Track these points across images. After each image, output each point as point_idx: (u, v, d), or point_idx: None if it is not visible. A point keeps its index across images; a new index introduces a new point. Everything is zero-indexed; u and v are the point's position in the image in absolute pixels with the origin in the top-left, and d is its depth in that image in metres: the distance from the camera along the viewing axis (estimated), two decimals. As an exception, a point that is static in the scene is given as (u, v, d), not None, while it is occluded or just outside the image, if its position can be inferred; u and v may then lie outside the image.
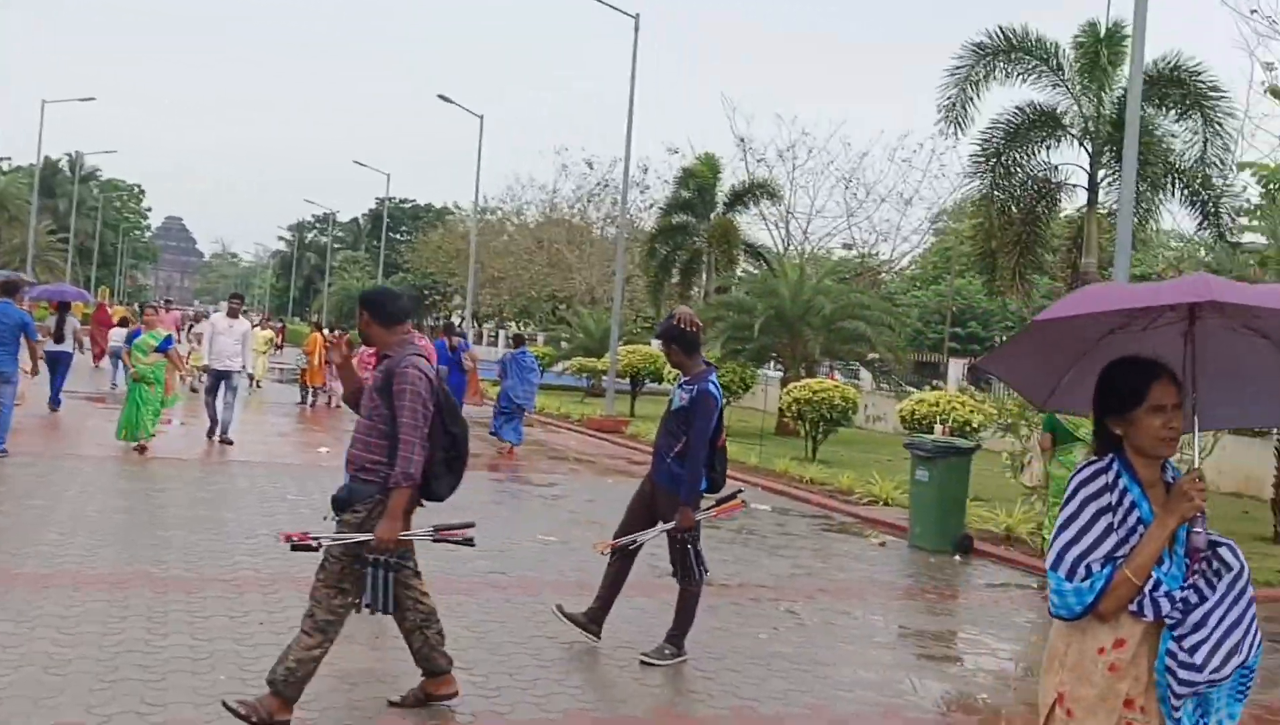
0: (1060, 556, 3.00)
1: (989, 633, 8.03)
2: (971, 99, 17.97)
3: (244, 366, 15.57)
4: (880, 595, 9.01)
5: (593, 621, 6.58)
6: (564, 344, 37.29)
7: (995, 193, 17.79)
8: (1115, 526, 2.97)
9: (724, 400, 6.60)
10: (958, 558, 11.03)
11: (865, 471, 16.61)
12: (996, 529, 12.20)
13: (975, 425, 15.72)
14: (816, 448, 19.18)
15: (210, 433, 15.17)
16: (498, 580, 8.18)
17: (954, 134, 17.83)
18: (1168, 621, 2.93)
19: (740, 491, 7.37)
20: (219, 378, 15.02)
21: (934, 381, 26.93)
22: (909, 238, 37.55)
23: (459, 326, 27.25)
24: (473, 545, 5.46)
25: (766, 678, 6.28)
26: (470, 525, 5.40)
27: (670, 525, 6.39)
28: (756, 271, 29.91)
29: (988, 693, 6.42)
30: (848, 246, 43.88)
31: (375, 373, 5.09)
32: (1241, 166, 18.41)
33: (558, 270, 47.67)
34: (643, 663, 6.32)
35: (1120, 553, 2.95)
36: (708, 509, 6.62)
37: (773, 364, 26.98)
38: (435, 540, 5.29)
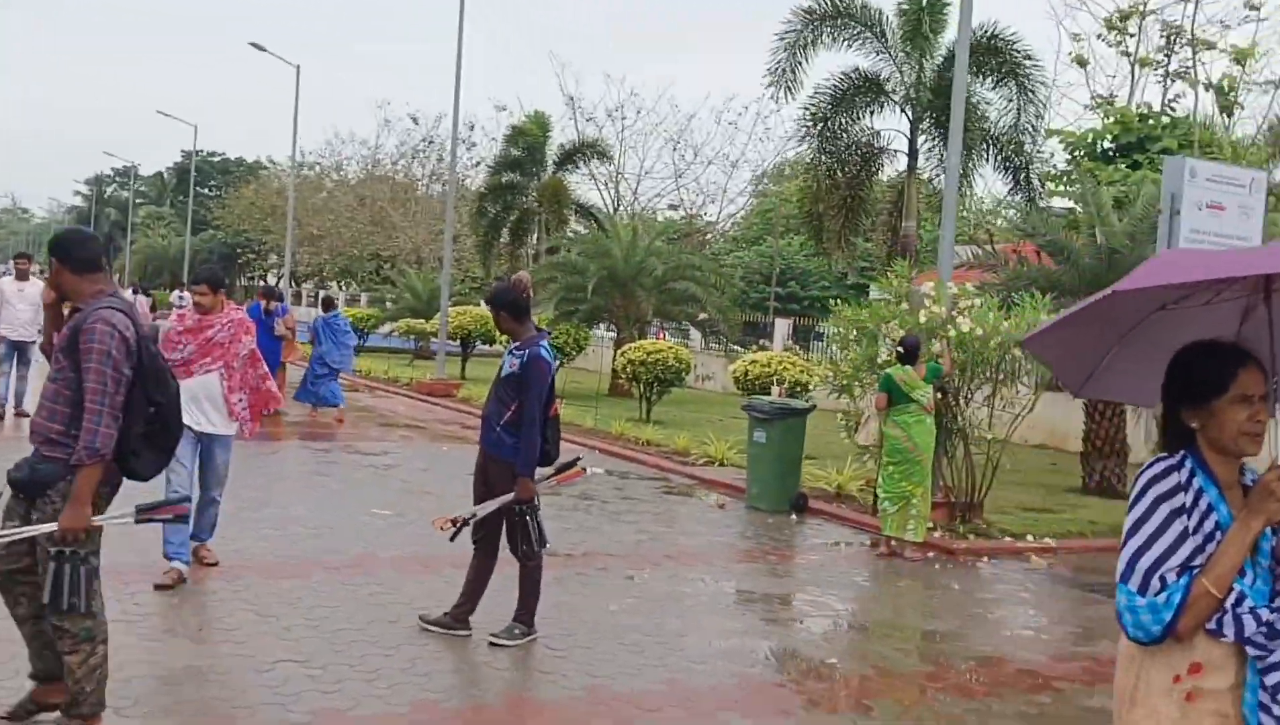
0: (1130, 566, 2.57)
1: (831, 593, 8.13)
2: (800, 63, 18.18)
3: (39, 335, 14.30)
4: (725, 559, 9.02)
5: (458, 621, 6.28)
6: (389, 305, 36.19)
7: (822, 156, 18.12)
8: (1191, 531, 2.57)
9: (557, 363, 6.37)
10: (794, 517, 11.19)
11: (700, 432, 16.72)
12: (828, 487, 12.46)
13: (805, 385, 16.03)
14: (651, 409, 19.21)
15: (2, 407, 13.94)
16: (330, 561, 7.74)
17: (784, 97, 18.01)
18: (1250, 650, 2.52)
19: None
20: (14, 348, 13.76)
21: (760, 341, 27.43)
22: (735, 200, 38.06)
23: (277, 288, 26.02)
24: (185, 522, 5.12)
25: (619, 653, 6.14)
26: (182, 501, 5.06)
27: (510, 497, 6.12)
28: (587, 232, 29.68)
29: (838, 656, 6.46)
30: (674, 207, 44.22)
31: (64, 330, 4.32)
32: (1050, 134, 19.37)
33: (381, 229, 46.23)
34: (492, 644, 6.07)
35: (1197, 562, 2.55)
36: (547, 478, 6.35)
37: (605, 325, 26.91)
38: (139, 522, 4.51)
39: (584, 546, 8.93)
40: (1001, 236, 19.27)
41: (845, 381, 10.65)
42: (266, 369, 7.21)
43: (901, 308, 10.45)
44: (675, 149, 35.61)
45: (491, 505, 6.21)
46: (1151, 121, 19.00)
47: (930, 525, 9.88)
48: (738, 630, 6.84)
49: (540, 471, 6.31)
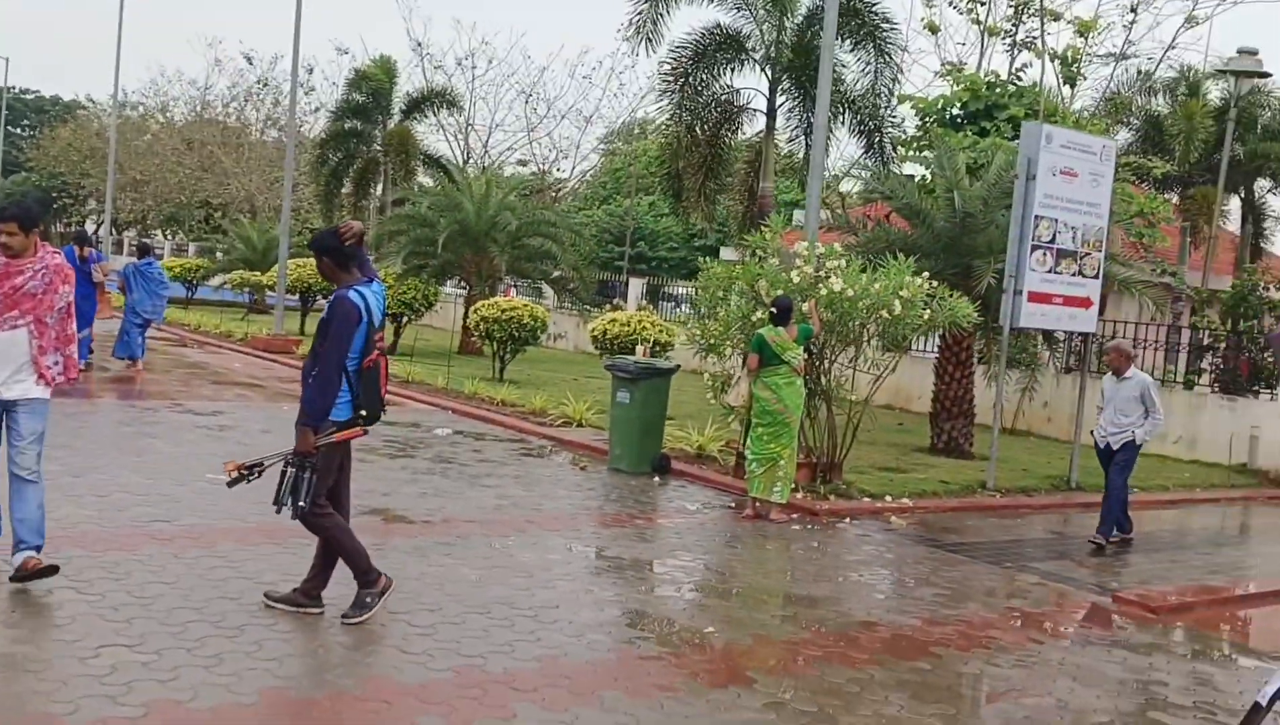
0: None
1: (702, 558, 7.91)
2: (661, 15, 17.81)
3: None
4: (591, 523, 8.69)
5: (309, 598, 5.73)
6: (220, 256, 34.28)
7: (682, 113, 17.84)
8: None
9: (383, 314, 5.75)
10: (657, 479, 10.96)
11: (556, 392, 16.33)
12: (690, 448, 12.28)
13: (665, 346, 15.82)
14: (504, 368, 18.69)
15: None
16: (162, 531, 7.05)
17: (644, 50, 17.61)
18: None
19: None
20: None
21: (615, 301, 27.13)
22: (589, 156, 37.52)
23: (93, 235, 24.20)
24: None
25: (489, 629, 5.73)
26: None
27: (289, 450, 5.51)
28: (436, 184, 28.68)
29: (715, 625, 6.22)
30: (523, 162, 43.37)
31: None
32: (902, 99, 19.56)
33: (212, 175, 43.79)
34: (345, 623, 5.57)
35: None
36: (329, 434, 5.52)
37: (456, 281, 26.13)
38: None
39: (443, 512, 8.45)
40: (854, 201, 19.46)
41: (713, 342, 10.42)
42: (75, 328, 6.06)
43: (772, 266, 10.27)
44: (528, 102, 34.78)
45: (275, 456, 5.59)
46: (999, 90, 19.38)
47: (792, 486, 9.79)
48: (611, 600, 6.52)
49: (326, 427, 5.52)
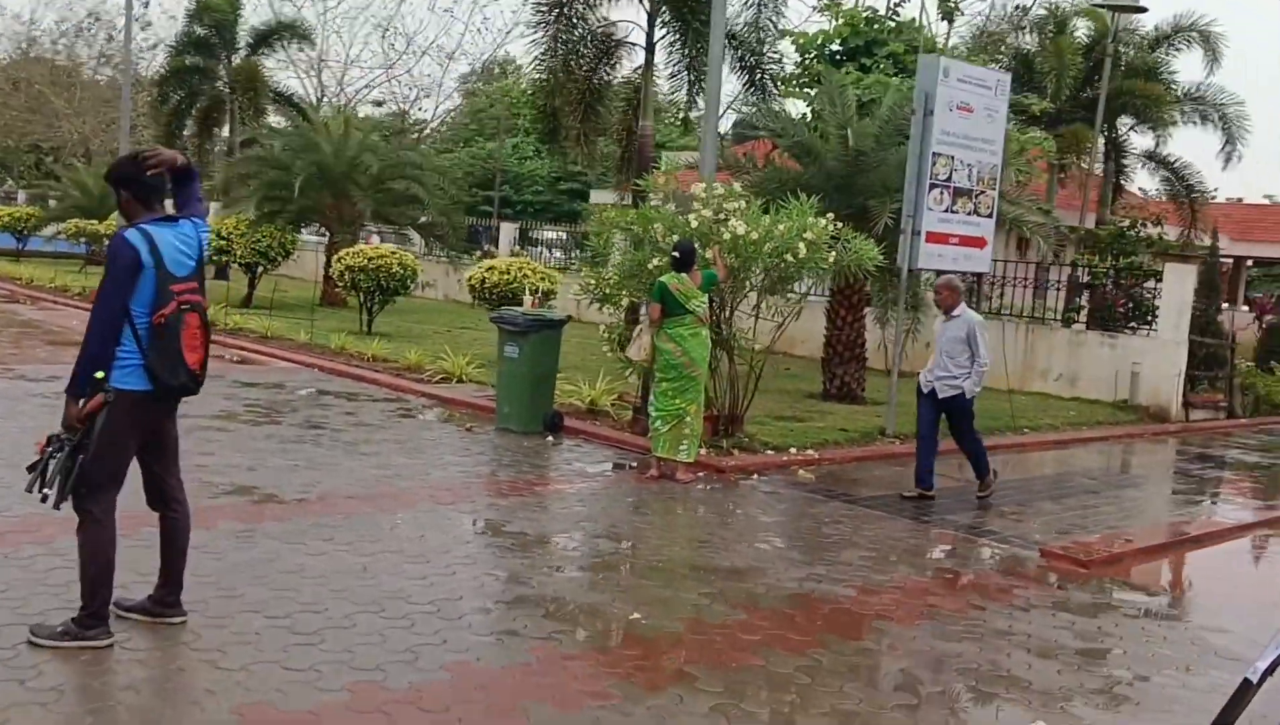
0: None
1: (614, 529, 7.26)
2: (531, -59, 16.70)
3: None
4: (486, 493, 7.93)
5: (163, 604, 4.84)
6: (53, 204, 31.66)
7: (558, 46, 16.83)
8: None
9: (195, 259, 4.62)
10: (550, 438, 10.26)
11: (431, 345, 15.41)
12: (580, 403, 11.61)
13: (546, 293, 15.02)
14: (372, 320, 17.60)
15: None
16: (-12, 527, 6.01)
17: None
18: None
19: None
20: None
21: (486, 247, 26.06)
22: (452, 95, 35.97)
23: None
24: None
25: (386, 632, 4.96)
26: None
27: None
28: (289, 124, 26.92)
29: (642, 611, 5.58)
30: (379, 103, 41.45)
31: None
32: (782, 34, 18.98)
33: (41, 117, 40.50)
34: (32, 639, 4.46)
35: None
36: (81, 407, 4.42)
37: (315, 228, 24.67)
38: None
39: (319, 488, 7.57)
40: (728, 141, 18.87)
41: (609, 291, 9.71)
42: None
43: (668, 209, 9.59)
44: (385, 37, 32.97)
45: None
46: (877, 26, 19.02)
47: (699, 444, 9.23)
48: (522, 589, 5.82)
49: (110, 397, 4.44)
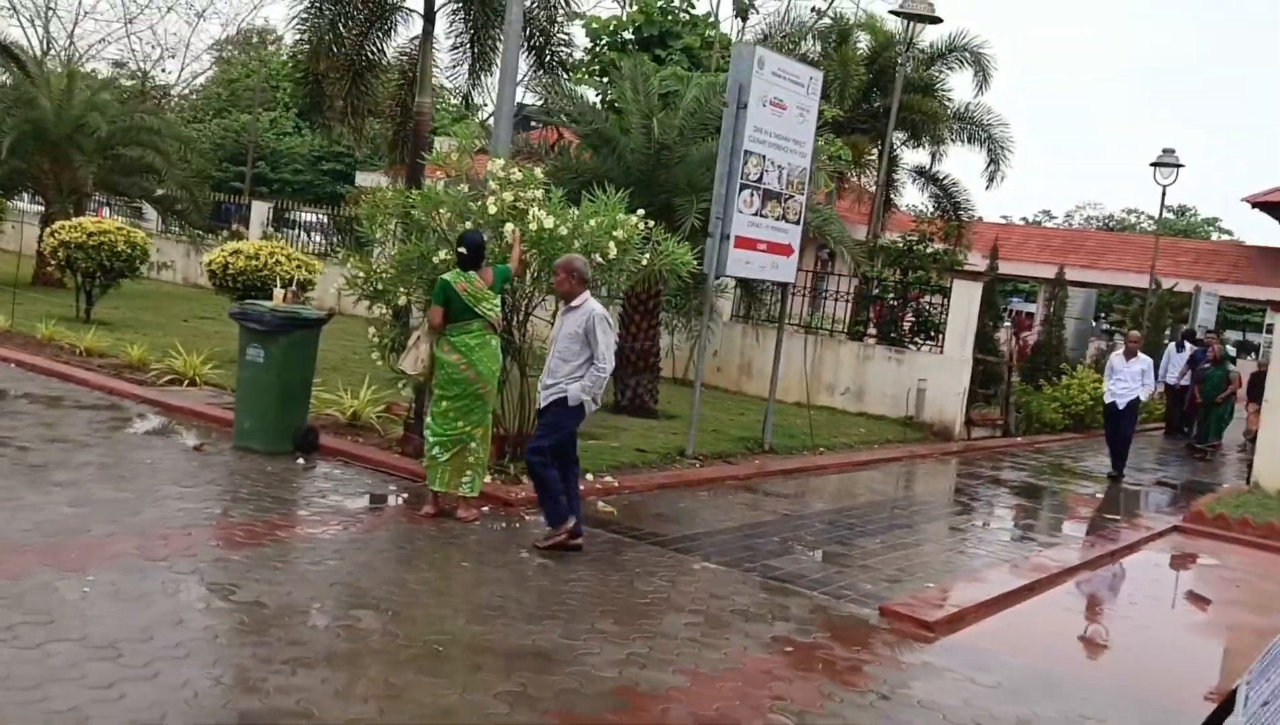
0: None
1: (378, 595, 5.76)
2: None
3: None
4: (213, 542, 6.22)
5: None
6: None
7: (323, 6, 14.92)
8: None
9: None
10: (301, 460, 8.60)
11: (161, 337, 13.21)
12: (341, 414, 9.97)
13: (303, 284, 13.15)
14: (92, 306, 15.10)
15: None
16: None
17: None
18: None
19: None
20: None
21: (235, 227, 23.46)
22: (200, 57, 32.68)
23: None
24: None
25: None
26: None
27: None
28: (5, 77, 23.31)
29: (418, 725, 4.17)
30: (120, 64, 37.40)
31: None
32: (572, 16, 17.77)
33: None
34: None
35: None
36: None
37: (29, 195, 21.46)
38: None
39: (-19, 536, 5.69)
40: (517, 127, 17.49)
41: (383, 286, 8.13)
42: None
43: (458, 192, 8.12)
44: (125, -12, 29.43)
45: None
46: (671, 17, 18.13)
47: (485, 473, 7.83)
48: (251, 700, 4.27)
49: None
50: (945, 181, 26.43)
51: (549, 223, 7.69)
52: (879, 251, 17.12)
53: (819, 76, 11.49)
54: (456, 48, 15.34)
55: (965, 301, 15.04)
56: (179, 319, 16.33)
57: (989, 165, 26.42)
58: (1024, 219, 63.52)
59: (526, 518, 7.73)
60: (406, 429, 9.06)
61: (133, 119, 19.02)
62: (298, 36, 15.10)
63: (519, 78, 14.02)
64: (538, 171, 8.32)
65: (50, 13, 28.80)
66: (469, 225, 7.91)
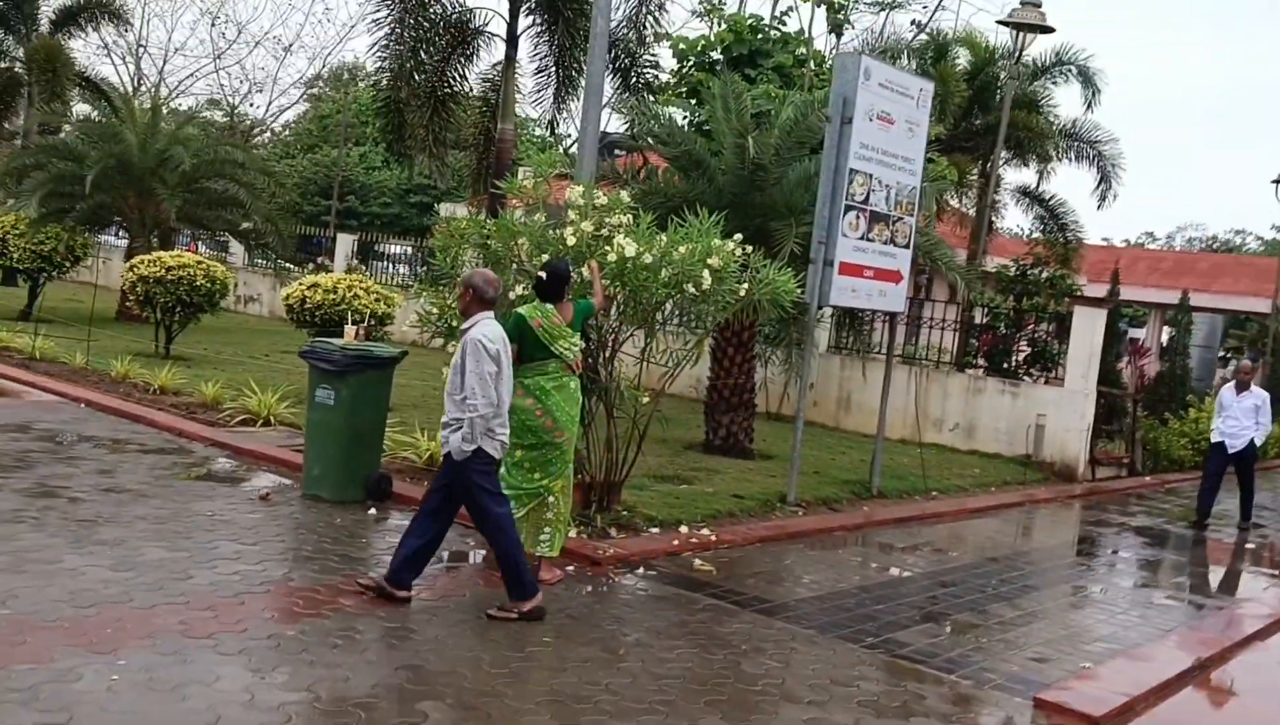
0: None
1: (451, 681, 5.01)
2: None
3: None
4: (270, 614, 5.53)
5: None
6: None
7: (404, 31, 14.51)
8: None
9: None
10: (373, 510, 7.93)
11: (239, 374, 12.79)
12: (418, 458, 9.32)
13: (380, 317, 12.62)
14: (171, 341, 14.81)
15: None
16: None
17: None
18: None
19: None
20: None
21: (320, 259, 23.28)
22: (288, 91, 32.97)
23: None
24: None
25: None
26: None
27: None
28: (99, 114, 23.55)
29: None
30: (213, 101, 37.98)
31: None
32: (659, 37, 17.17)
33: None
34: None
35: None
36: None
37: (116, 230, 21.54)
38: None
39: (8, 606, 5.07)
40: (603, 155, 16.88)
41: (457, 323, 7.44)
42: None
43: (537, 221, 7.41)
44: (215, 24, 29.82)
45: None
46: (761, 35, 17.35)
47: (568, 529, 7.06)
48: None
49: None
50: (1051, 202, 25.13)
51: (630, 251, 6.91)
52: (985, 277, 16.02)
53: (929, 88, 10.58)
54: (540, 71, 14.84)
55: (1088, 329, 13.88)
56: (260, 354, 15.97)
57: (1099, 184, 25.02)
58: (1126, 241, 61.10)
59: (616, 578, 6.93)
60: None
61: (216, 152, 18.86)
62: (378, 64, 14.71)
63: (604, 100, 13.40)
64: (624, 195, 7.56)
65: (142, 50, 29.18)
66: (545, 257, 7.18)
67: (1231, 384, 12.20)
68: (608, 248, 7.08)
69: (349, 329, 8.08)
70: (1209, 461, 12.22)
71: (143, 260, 14.64)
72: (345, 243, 22.78)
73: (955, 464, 13.40)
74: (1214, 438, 12.04)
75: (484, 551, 7.23)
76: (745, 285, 7.53)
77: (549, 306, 6.57)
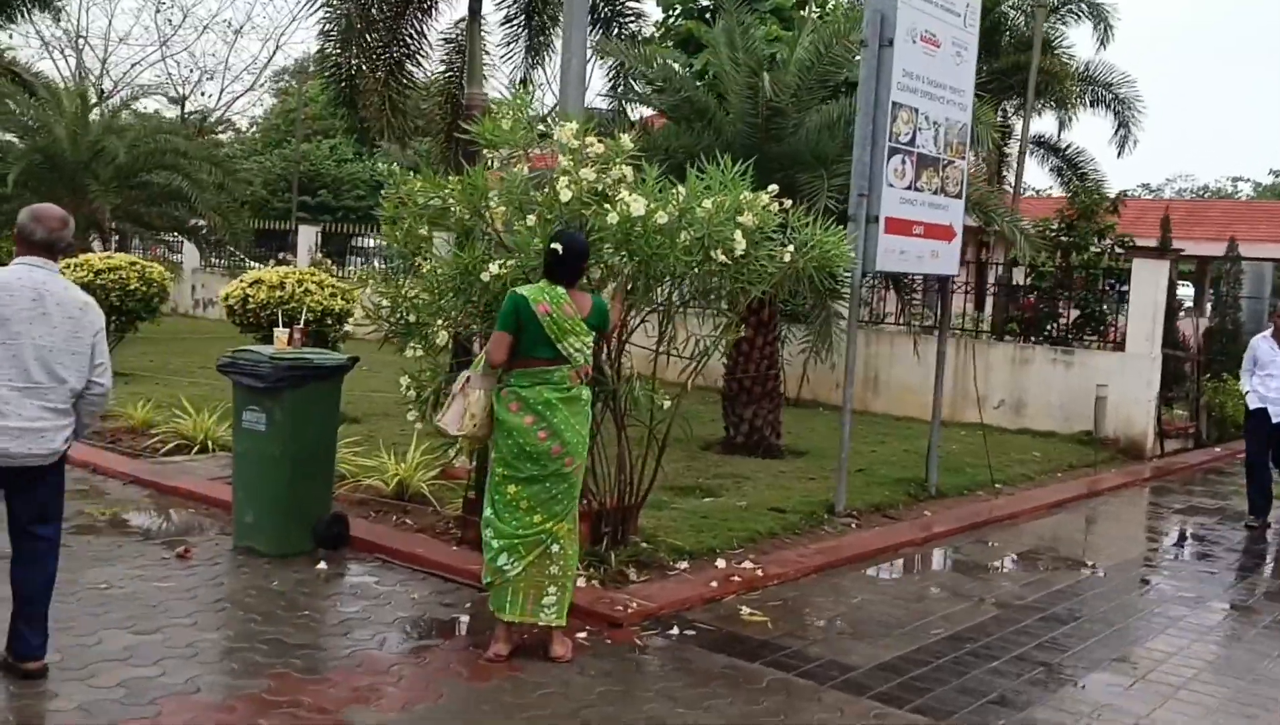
0: None
1: None
2: None
3: None
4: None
5: None
6: None
7: (352, -13, 12.65)
8: None
9: None
10: (323, 564, 6.18)
11: (184, 389, 11.01)
12: (383, 483, 7.57)
13: (339, 315, 10.83)
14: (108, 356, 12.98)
15: None
16: None
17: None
18: None
19: None
20: None
21: (282, 254, 21.41)
22: (241, 77, 31.03)
23: None
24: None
25: None
26: None
27: None
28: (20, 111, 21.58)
29: None
30: (159, 90, 35.84)
31: None
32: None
33: None
34: None
35: None
36: None
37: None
38: None
39: None
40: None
41: (419, 316, 5.67)
42: None
43: (518, 174, 5.62)
44: (159, 10, 27.89)
45: None
46: (756, -23, 15.58)
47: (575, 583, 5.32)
48: None
49: None
50: (1069, 152, 23.42)
51: (638, 209, 5.17)
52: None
53: (976, 4, 8.79)
54: (508, 22, 12.98)
55: (1151, 285, 12.16)
56: (210, 360, 14.15)
57: (1118, 130, 23.34)
58: (1124, 192, 59.38)
59: (644, 644, 5.21)
60: (467, 505, 6.59)
61: (156, 141, 16.97)
62: (321, 23, 12.84)
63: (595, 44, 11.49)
64: (625, 139, 5.77)
65: (83, 42, 27.20)
66: (532, 221, 5.41)
67: (1269, 333, 9.42)
68: (607, 207, 5.31)
69: (280, 333, 6.29)
70: (1248, 438, 9.43)
71: (68, 264, 12.77)
72: (308, 235, 20.88)
73: (1009, 447, 11.70)
74: (1251, 402, 9.20)
75: (468, 617, 5.51)
76: (790, 249, 5.77)
77: (560, 290, 4.83)
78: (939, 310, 9.68)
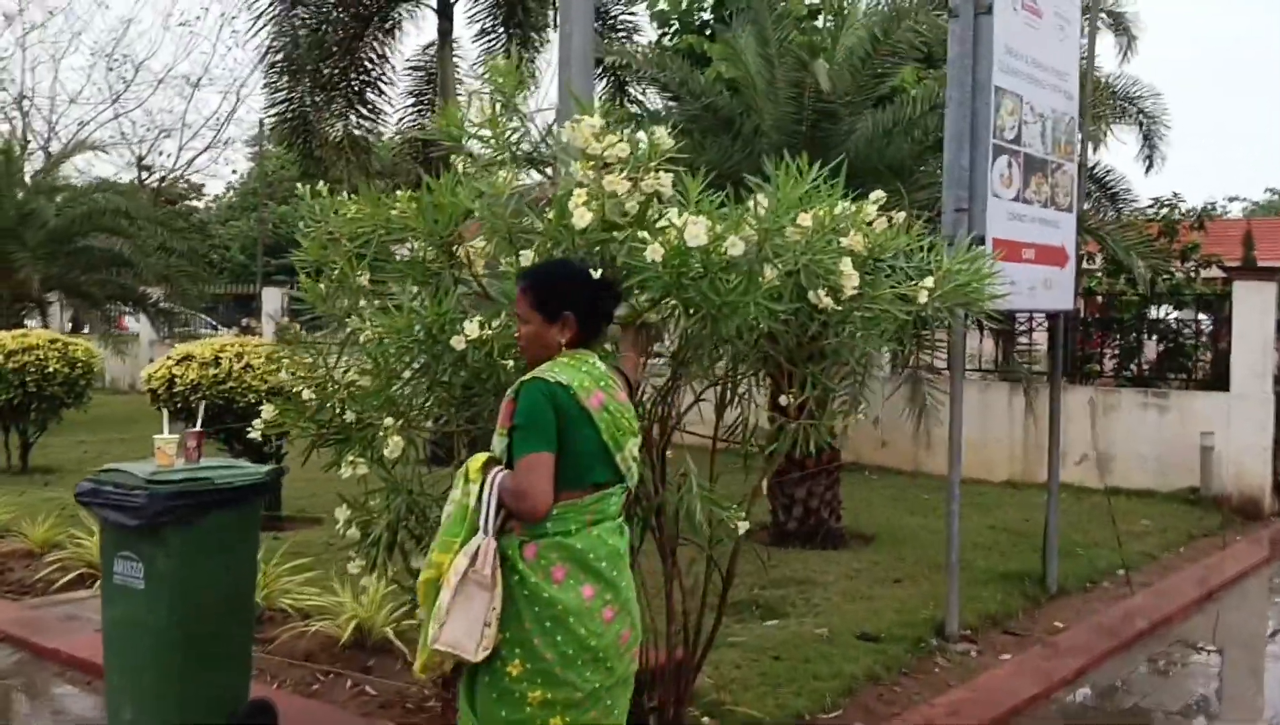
0: None
1: None
2: None
3: None
4: None
5: None
6: None
7: (298, 9, 10.77)
8: None
9: None
10: (242, 776, 4.12)
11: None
12: (338, 630, 5.52)
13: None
14: (29, 449, 11.04)
15: None
16: None
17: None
18: None
19: None
20: None
21: (245, 321, 19.38)
22: (202, 133, 29.36)
23: None
24: None
25: None
26: None
27: None
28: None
29: None
30: (147, 168, 34.05)
31: None
32: None
33: None
34: None
35: None
36: None
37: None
38: None
39: None
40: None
41: (361, 411, 3.66)
42: None
43: (501, 179, 3.62)
44: (111, 68, 26.24)
45: None
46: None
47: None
48: None
49: None
50: (1096, 171, 21.63)
51: (699, 236, 3.19)
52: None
53: (1081, -34, 6.94)
54: (485, 35, 11.09)
55: (1258, 310, 10.26)
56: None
57: (1143, 145, 21.62)
58: (1210, 207, 58.05)
59: None
60: (445, 685, 4.52)
61: (92, 202, 15.03)
62: (269, 49, 10.92)
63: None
64: (661, 132, 3.77)
65: (28, 102, 25.46)
66: (529, 256, 3.43)
67: None
68: (644, 235, 3.33)
69: (162, 440, 4.25)
70: None
71: (-24, 344, 10.80)
72: (273, 298, 18.81)
73: (1103, 511, 9.70)
74: None
75: None
76: (928, 283, 3.80)
77: (597, 362, 2.88)
78: (1050, 353, 7.74)
